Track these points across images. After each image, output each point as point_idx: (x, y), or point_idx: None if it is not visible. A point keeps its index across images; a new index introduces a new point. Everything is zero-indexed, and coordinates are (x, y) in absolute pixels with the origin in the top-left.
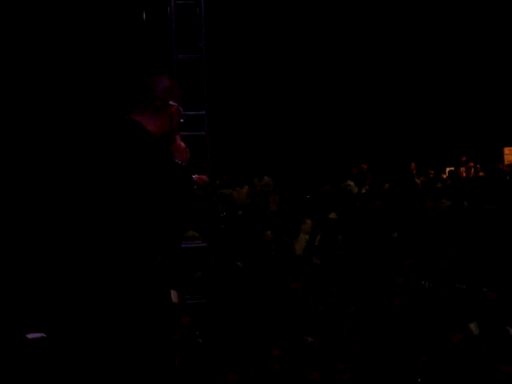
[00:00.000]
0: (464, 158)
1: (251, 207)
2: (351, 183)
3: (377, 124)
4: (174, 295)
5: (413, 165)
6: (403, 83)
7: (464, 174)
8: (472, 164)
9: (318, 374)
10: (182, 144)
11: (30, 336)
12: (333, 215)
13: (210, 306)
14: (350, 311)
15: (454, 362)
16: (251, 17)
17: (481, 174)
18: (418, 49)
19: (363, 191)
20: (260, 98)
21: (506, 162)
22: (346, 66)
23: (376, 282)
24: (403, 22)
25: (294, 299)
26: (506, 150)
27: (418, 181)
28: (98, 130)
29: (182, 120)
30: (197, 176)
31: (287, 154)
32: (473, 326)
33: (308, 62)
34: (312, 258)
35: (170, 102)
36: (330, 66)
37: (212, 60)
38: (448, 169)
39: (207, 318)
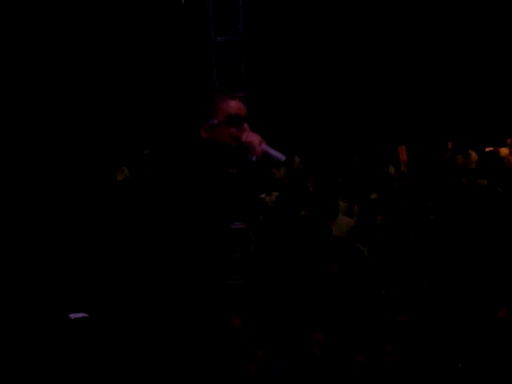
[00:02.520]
0: (509, 140)
1: (289, 188)
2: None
3: (415, 104)
4: None
5: (449, 144)
6: (442, 61)
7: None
8: None
9: (363, 356)
10: (250, 139)
11: (72, 316)
12: (374, 196)
13: (248, 288)
14: (397, 292)
15: (499, 338)
16: None
17: None
18: (458, 31)
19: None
20: (298, 79)
21: None
22: (381, 51)
23: (417, 264)
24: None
25: (332, 281)
26: None
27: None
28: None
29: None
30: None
31: (324, 135)
32: None
33: (345, 44)
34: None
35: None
36: (367, 50)
37: (250, 42)
38: (488, 149)
39: (246, 299)
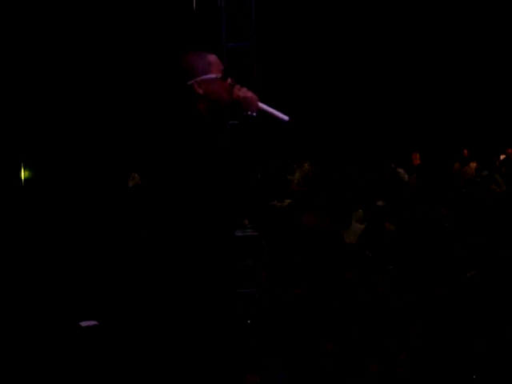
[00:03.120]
0: None
1: (300, 195)
2: (401, 170)
3: (430, 110)
4: None
5: (465, 151)
6: (456, 67)
7: None
8: None
9: (377, 365)
10: (245, 94)
11: (83, 324)
12: (380, 203)
13: (261, 296)
14: (406, 300)
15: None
16: (302, 3)
17: None
18: (474, 40)
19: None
20: (311, 85)
21: None
22: (394, 58)
23: (427, 272)
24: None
25: (346, 289)
26: None
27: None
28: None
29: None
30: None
31: (337, 141)
32: None
33: (357, 50)
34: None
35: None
36: (381, 57)
37: (262, 48)
38: (502, 156)
39: (258, 307)
